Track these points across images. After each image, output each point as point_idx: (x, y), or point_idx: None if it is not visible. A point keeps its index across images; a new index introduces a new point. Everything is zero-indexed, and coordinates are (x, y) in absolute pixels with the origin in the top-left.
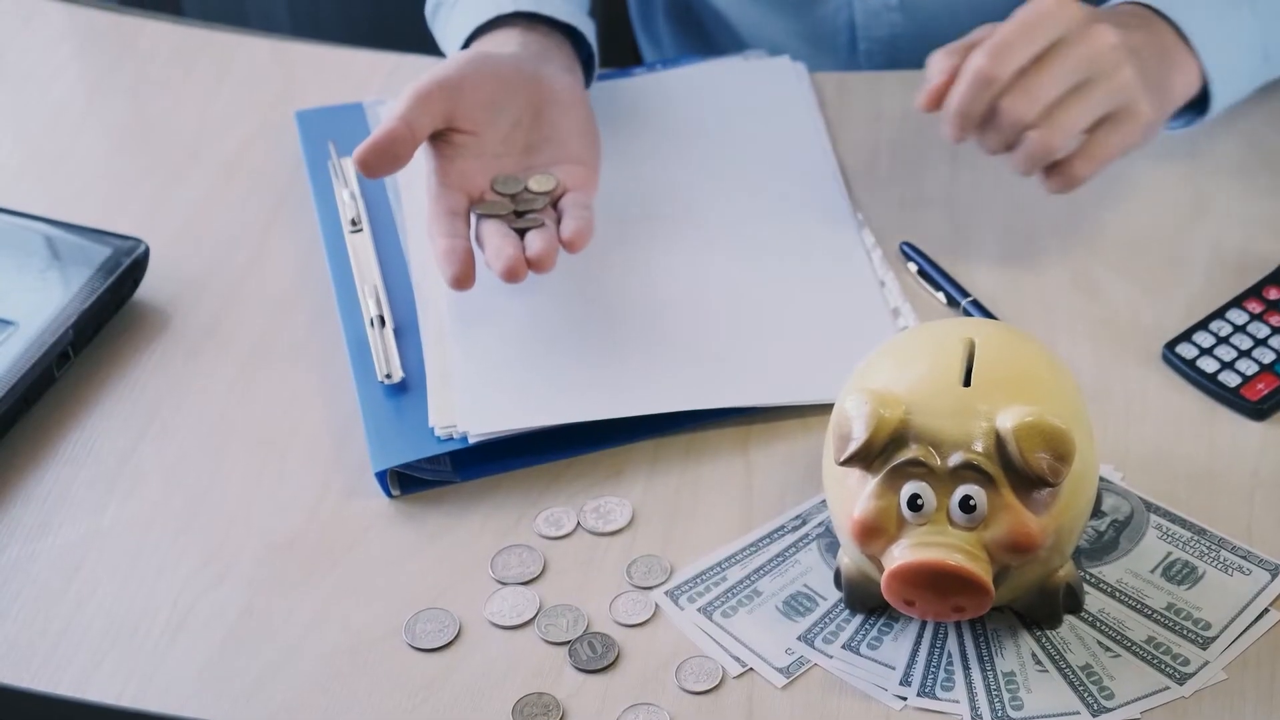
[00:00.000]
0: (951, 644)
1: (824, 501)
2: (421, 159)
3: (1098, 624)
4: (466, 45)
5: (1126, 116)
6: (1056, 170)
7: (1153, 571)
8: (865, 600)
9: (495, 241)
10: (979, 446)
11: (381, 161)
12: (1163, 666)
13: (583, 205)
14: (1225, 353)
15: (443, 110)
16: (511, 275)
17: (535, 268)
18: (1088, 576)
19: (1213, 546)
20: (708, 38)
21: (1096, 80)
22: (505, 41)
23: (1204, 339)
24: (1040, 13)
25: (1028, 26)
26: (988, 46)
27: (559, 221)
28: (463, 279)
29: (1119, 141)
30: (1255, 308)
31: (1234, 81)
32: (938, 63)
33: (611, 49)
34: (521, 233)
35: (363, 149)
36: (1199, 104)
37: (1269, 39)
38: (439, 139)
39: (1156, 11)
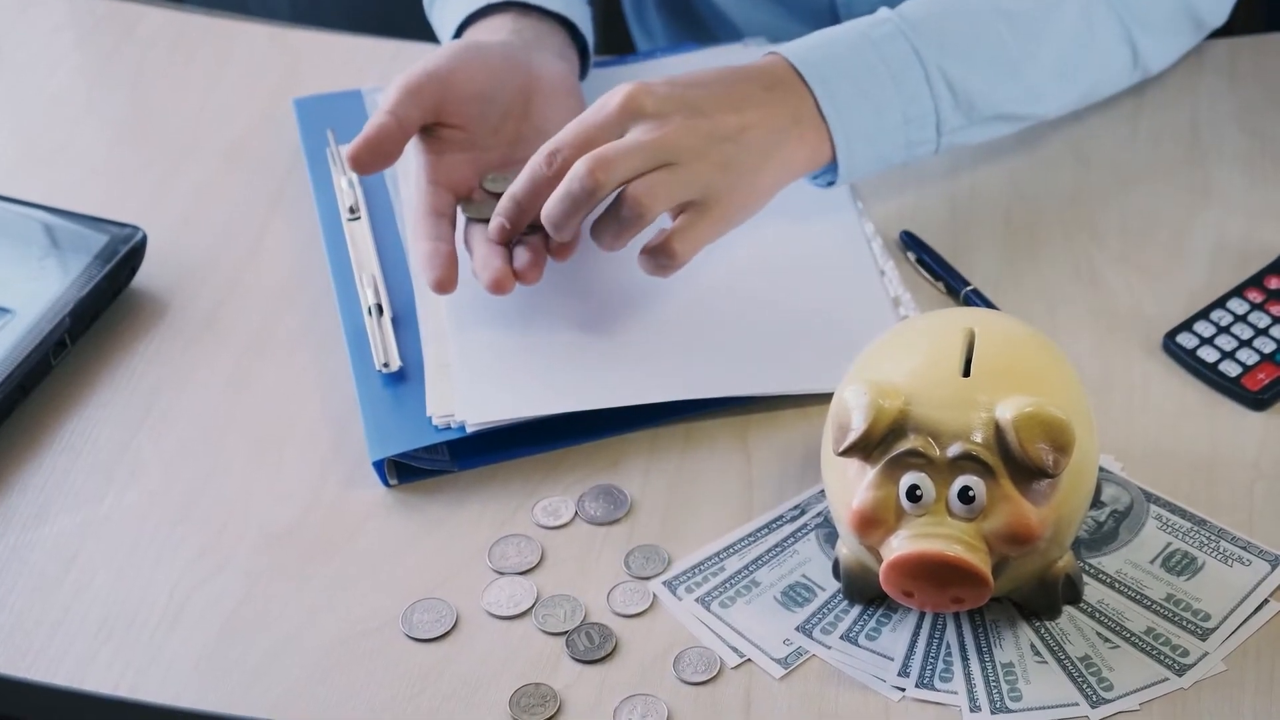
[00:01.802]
0: (950, 635)
1: (823, 492)
2: (411, 153)
3: (1097, 615)
4: (459, 32)
5: (709, 206)
6: (655, 251)
7: (1152, 562)
8: (864, 591)
9: (482, 251)
10: (978, 437)
11: (373, 158)
12: (1162, 658)
13: None
14: (1226, 342)
15: (432, 103)
16: (498, 288)
17: (522, 279)
18: (1087, 567)
19: (1212, 537)
20: (698, 23)
21: (675, 166)
22: (497, 29)
23: (1205, 328)
24: (604, 111)
25: (591, 127)
26: (544, 148)
27: None
28: (444, 283)
29: (708, 228)
30: (1256, 297)
31: (881, 150)
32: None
33: (604, 39)
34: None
35: (354, 146)
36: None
37: (943, 112)
38: (428, 133)
39: (800, 73)
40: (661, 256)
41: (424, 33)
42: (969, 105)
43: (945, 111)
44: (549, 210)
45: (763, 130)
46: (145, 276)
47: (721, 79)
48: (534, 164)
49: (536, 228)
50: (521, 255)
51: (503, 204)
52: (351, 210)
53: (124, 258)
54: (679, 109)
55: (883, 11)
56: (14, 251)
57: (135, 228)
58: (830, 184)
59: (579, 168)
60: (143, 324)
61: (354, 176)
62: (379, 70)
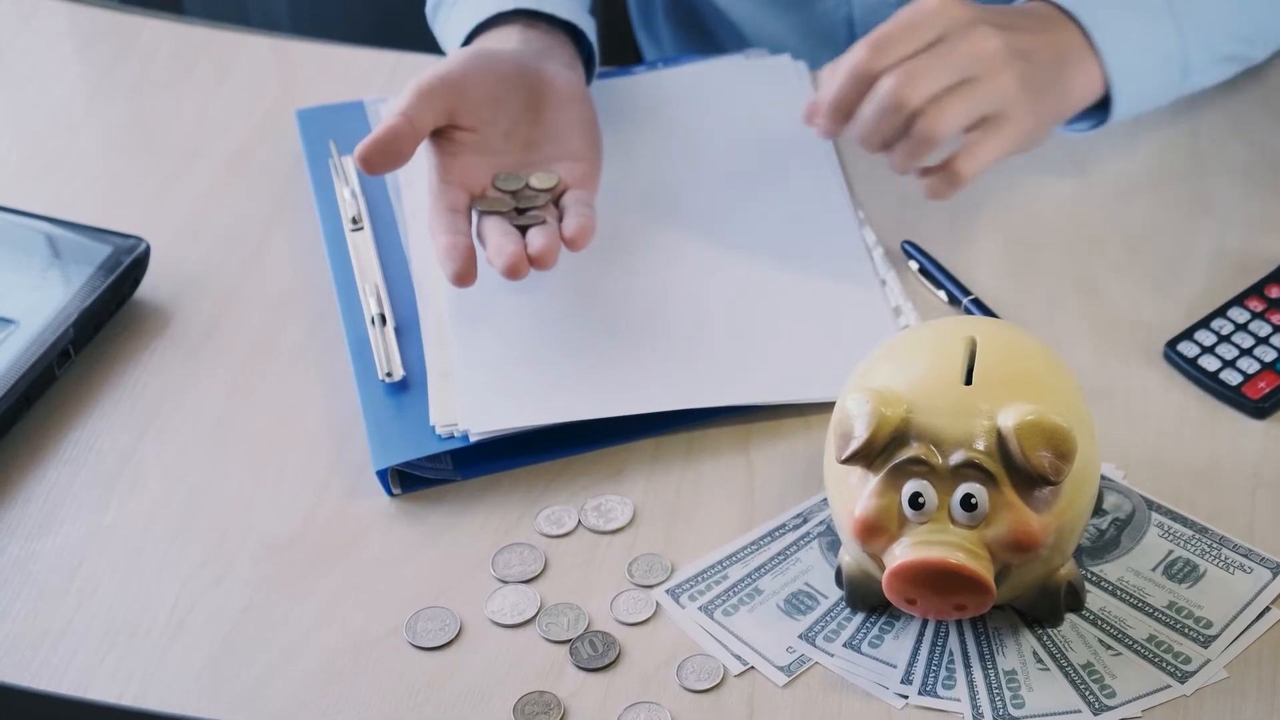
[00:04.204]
0: (953, 642)
1: (825, 500)
2: (422, 156)
3: (1099, 622)
4: (467, 42)
5: (1004, 121)
6: (938, 170)
7: (1154, 570)
8: (866, 599)
9: (497, 239)
10: (980, 445)
11: (383, 158)
12: (1164, 665)
13: (584, 203)
14: (1227, 351)
15: (444, 106)
16: (513, 272)
17: (537, 264)
18: (1089, 575)
19: (1214, 545)
20: (708, 35)
21: (975, 80)
22: (506, 38)
23: (1205, 337)
24: (922, 11)
25: (909, 25)
26: (867, 40)
27: (560, 219)
28: (464, 275)
29: (998, 145)
30: (1257, 306)
31: (1143, 88)
32: (825, 76)
33: (611, 48)
34: (523, 230)
35: (364, 145)
36: (1106, 106)
37: (1189, 50)
38: (440, 135)
39: (1066, 12)
40: (945, 174)
41: (425, 44)
42: (1207, 41)
43: (1191, 50)
44: (860, 125)
45: (1050, 55)
46: (148, 287)
47: (1003, 10)
48: (855, 59)
49: (543, 219)
50: (536, 240)
51: (831, 102)
52: (354, 221)
53: (127, 268)
54: (984, 20)
55: None
56: (17, 262)
57: (139, 239)
58: (1095, 127)
59: (887, 84)
60: (145, 334)
61: (357, 188)
62: (380, 82)
